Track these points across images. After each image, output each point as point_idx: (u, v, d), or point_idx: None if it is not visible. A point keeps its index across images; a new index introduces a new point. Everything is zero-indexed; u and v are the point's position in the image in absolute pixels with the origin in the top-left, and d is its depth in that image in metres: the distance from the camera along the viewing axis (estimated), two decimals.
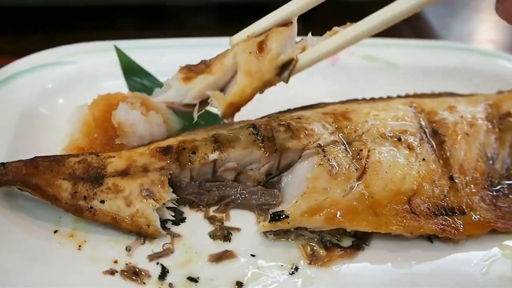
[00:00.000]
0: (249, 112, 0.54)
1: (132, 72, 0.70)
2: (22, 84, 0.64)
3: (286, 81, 0.50)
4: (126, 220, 0.48)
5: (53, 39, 0.77)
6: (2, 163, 0.47)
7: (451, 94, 0.66)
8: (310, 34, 0.52)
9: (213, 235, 0.51)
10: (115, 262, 0.47)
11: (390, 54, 0.74)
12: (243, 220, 0.52)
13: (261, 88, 0.51)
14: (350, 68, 0.72)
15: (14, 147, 0.56)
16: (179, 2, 0.89)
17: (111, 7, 0.88)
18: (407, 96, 0.65)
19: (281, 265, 0.48)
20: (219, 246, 0.50)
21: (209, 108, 0.53)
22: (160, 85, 0.65)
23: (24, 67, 0.65)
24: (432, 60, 0.75)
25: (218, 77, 0.51)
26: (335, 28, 0.51)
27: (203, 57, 0.53)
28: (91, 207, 0.48)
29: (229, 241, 0.50)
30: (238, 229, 0.52)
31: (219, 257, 0.48)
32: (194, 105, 0.52)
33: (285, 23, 0.52)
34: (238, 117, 0.50)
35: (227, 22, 0.91)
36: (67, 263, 0.46)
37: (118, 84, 0.67)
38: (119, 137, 0.57)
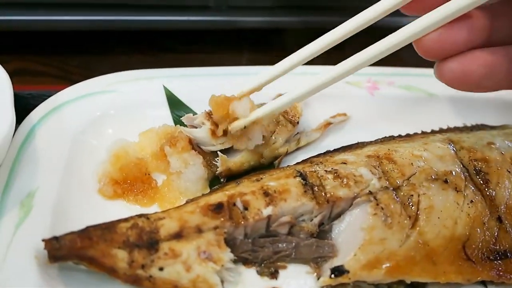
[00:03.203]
0: None
1: (174, 104, 0.68)
2: (71, 113, 0.62)
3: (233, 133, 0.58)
4: (187, 287, 0.47)
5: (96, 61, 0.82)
6: (55, 237, 0.45)
7: (483, 126, 0.67)
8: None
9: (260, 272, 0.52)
10: None
11: (429, 84, 0.74)
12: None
13: (254, 167, 0.61)
14: (388, 98, 0.71)
15: (66, 177, 0.55)
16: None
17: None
18: (440, 131, 0.65)
19: None
20: None
21: None
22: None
23: (72, 96, 0.64)
24: None
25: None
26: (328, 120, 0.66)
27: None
28: (151, 276, 0.46)
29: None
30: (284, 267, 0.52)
31: None
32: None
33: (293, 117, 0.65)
34: None
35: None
36: None
37: (164, 114, 0.67)
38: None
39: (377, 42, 0.50)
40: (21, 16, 0.78)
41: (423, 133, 0.65)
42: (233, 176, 0.60)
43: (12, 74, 0.81)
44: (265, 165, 0.62)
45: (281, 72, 0.58)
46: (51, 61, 0.84)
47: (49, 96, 0.64)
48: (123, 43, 0.88)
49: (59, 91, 0.66)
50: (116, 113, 0.64)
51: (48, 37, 0.84)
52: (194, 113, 0.64)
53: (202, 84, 0.69)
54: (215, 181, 0.60)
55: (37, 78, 0.82)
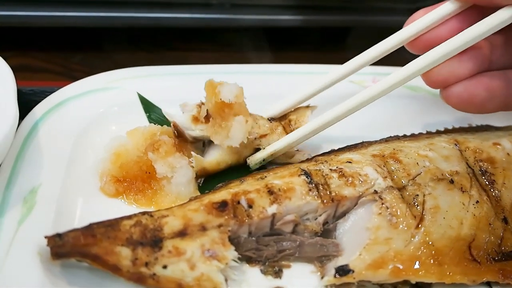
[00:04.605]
0: None
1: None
2: (74, 109, 0.62)
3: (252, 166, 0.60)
4: (191, 285, 0.46)
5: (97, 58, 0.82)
6: (58, 234, 0.44)
7: (488, 127, 0.67)
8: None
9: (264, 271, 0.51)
10: None
11: None
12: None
13: (230, 166, 0.60)
14: (392, 97, 0.71)
15: (69, 173, 0.55)
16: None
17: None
18: (446, 131, 0.65)
19: None
20: None
21: None
22: None
23: (74, 92, 0.64)
24: None
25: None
26: None
27: None
28: (154, 274, 0.45)
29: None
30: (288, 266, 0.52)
31: None
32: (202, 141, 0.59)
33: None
34: None
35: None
36: None
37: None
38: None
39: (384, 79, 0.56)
40: (24, 11, 0.77)
41: (428, 133, 0.64)
42: (210, 176, 0.60)
43: (14, 70, 0.80)
44: (241, 163, 0.61)
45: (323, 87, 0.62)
46: (53, 57, 0.84)
47: (51, 93, 0.64)
48: (126, 40, 0.88)
49: (61, 87, 0.65)
50: (119, 110, 0.64)
51: (50, 33, 0.84)
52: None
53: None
54: (202, 182, 0.60)
55: (39, 74, 0.81)
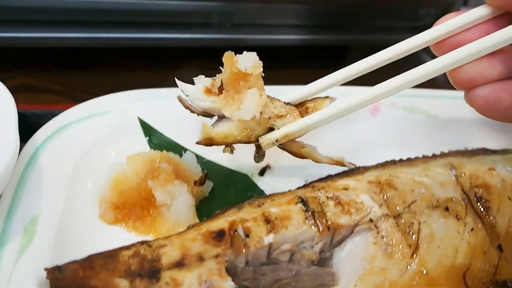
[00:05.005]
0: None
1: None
2: (74, 135, 0.62)
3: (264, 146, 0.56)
4: None
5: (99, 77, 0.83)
6: (57, 266, 0.45)
7: (485, 151, 0.67)
8: None
9: None
10: None
11: (430, 105, 0.75)
12: None
13: (240, 142, 0.57)
14: (390, 119, 0.72)
15: (69, 201, 0.56)
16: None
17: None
18: (442, 155, 0.65)
19: None
20: None
21: None
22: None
23: (75, 117, 0.64)
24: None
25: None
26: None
27: None
28: None
29: None
30: None
31: None
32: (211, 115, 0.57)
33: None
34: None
35: None
36: None
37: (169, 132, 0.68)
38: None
39: (412, 69, 0.52)
40: (26, 33, 0.78)
41: (425, 157, 0.65)
42: (208, 200, 0.59)
43: (16, 90, 0.81)
44: (251, 142, 0.57)
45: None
46: (55, 77, 0.85)
47: (52, 115, 0.65)
48: (127, 59, 0.89)
49: (62, 110, 0.66)
50: (120, 134, 0.65)
51: (53, 53, 0.85)
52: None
53: None
54: (202, 206, 0.61)
55: (40, 94, 0.82)
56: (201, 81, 0.56)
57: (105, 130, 0.64)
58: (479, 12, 0.51)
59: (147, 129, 0.66)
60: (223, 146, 0.59)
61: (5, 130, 0.52)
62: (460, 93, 0.79)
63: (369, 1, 0.86)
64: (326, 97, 0.61)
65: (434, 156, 0.65)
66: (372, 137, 0.70)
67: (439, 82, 0.85)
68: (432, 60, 0.51)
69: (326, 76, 0.58)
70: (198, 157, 0.64)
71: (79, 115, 0.65)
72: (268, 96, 0.56)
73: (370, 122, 0.72)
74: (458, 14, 0.52)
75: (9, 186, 0.53)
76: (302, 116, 0.58)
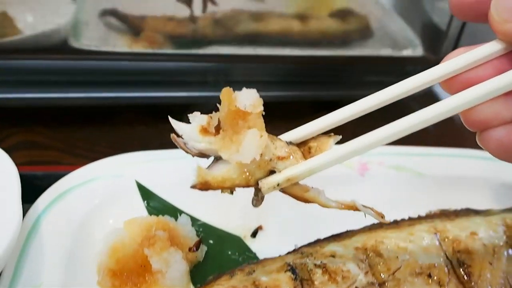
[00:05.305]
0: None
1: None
2: (73, 201, 0.65)
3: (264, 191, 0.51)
4: None
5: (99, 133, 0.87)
6: None
7: (468, 211, 0.70)
8: None
9: None
10: None
11: (418, 163, 0.78)
12: None
13: (238, 187, 0.52)
14: (378, 178, 0.74)
15: (69, 269, 0.58)
16: None
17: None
18: (427, 216, 0.68)
19: None
20: None
21: None
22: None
23: (74, 183, 0.67)
24: (458, 169, 0.79)
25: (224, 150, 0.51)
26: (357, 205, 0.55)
27: None
28: None
29: None
30: None
31: None
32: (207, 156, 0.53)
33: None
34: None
35: None
36: None
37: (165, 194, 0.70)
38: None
39: (419, 111, 0.49)
40: (27, 94, 0.82)
41: (410, 219, 0.67)
42: (203, 265, 0.60)
43: (17, 147, 0.85)
44: (251, 186, 0.53)
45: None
46: (56, 133, 0.88)
47: (53, 177, 0.68)
48: (125, 115, 0.92)
49: (63, 171, 0.69)
50: (118, 199, 0.67)
51: (55, 110, 0.88)
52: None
53: None
54: (196, 271, 0.63)
55: (41, 151, 0.85)
56: (197, 119, 0.52)
57: (103, 195, 0.67)
58: (491, 47, 0.48)
59: (145, 193, 0.69)
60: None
61: (8, 206, 0.55)
62: (447, 151, 0.83)
63: (356, 59, 0.90)
64: (330, 135, 0.55)
65: (420, 219, 0.67)
66: (361, 197, 0.73)
67: (427, 140, 0.89)
68: (445, 99, 0.48)
69: (331, 113, 0.53)
70: (193, 219, 0.67)
71: (78, 181, 0.68)
72: (268, 135, 0.52)
73: (359, 182, 0.75)
74: (468, 49, 0.49)
75: (11, 257, 0.56)
76: (306, 158, 0.54)
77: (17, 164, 0.60)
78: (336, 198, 0.74)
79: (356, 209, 0.57)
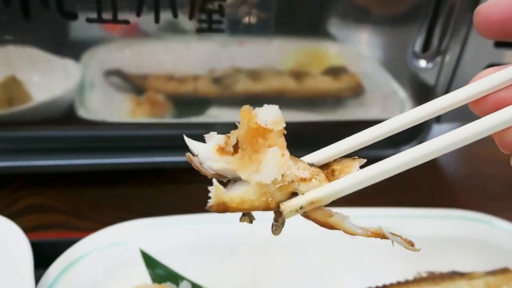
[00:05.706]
0: None
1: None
2: (79, 272, 0.68)
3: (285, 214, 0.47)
4: None
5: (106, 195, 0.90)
6: None
7: (453, 274, 0.74)
8: None
9: None
10: None
11: (405, 225, 0.78)
12: None
13: (257, 210, 0.47)
14: (366, 243, 0.77)
15: None
16: None
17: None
18: (414, 281, 0.72)
19: None
20: None
21: None
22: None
23: (81, 252, 0.70)
24: (443, 230, 0.82)
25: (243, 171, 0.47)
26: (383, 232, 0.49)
27: None
28: None
29: None
30: None
31: None
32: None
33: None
34: None
35: None
36: None
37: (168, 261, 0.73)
38: None
39: (452, 131, 0.45)
40: (34, 161, 0.87)
41: (399, 284, 0.71)
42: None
43: (26, 211, 0.89)
44: (271, 209, 0.49)
45: None
46: (64, 196, 0.92)
47: (61, 244, 0.71)
48: (130, 177, 0.97)
49: (71, 238, 0.73)
50: (122, 268, 0.71)
51: (62, 174, 0.93)
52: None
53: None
54: None
55: (49, 215, 0.89)
56: (214, 138, 0.48)
57: (108, 265, 0.70)
58: None
59: (149, 261, 0.73)
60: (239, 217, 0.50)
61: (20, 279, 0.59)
62: (431, 212, 0.87)
63: (350, 123, 0.95)
64: (354, 158, 0.51)
65: (407, 283, 0.72)
66: (352, 260, 0.77)
67: (404, 202, 0.92)
68: (479, 120, 0.45)
69: (355, 135, 0.49)
70: (194, 286, 0.71)
71: (83, 251, 0.71)
72: (290, 155, 0.48)
73: (349, 246, 0.79)
74: (499, 69, 0.47)
75: None
76: (329, 180, 0.49)
77: (26, 229, 0.64)
78: (325, 262, 0.78)
79: (383, 236, 0.51)
